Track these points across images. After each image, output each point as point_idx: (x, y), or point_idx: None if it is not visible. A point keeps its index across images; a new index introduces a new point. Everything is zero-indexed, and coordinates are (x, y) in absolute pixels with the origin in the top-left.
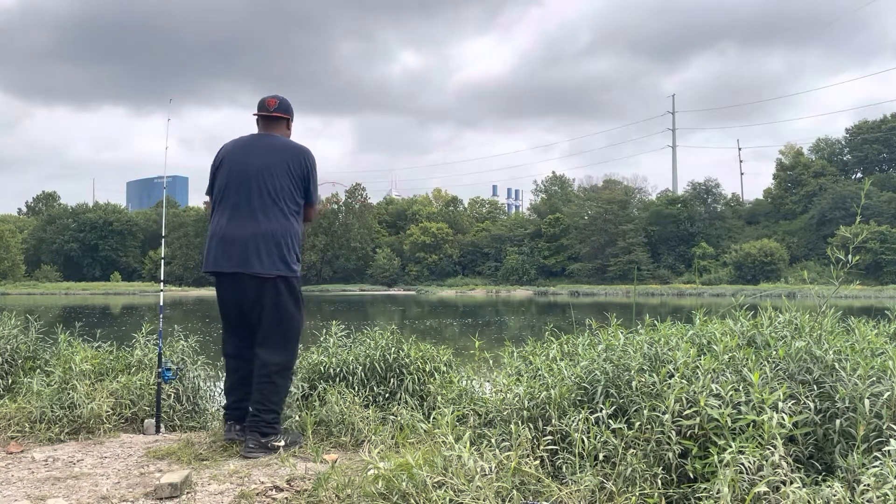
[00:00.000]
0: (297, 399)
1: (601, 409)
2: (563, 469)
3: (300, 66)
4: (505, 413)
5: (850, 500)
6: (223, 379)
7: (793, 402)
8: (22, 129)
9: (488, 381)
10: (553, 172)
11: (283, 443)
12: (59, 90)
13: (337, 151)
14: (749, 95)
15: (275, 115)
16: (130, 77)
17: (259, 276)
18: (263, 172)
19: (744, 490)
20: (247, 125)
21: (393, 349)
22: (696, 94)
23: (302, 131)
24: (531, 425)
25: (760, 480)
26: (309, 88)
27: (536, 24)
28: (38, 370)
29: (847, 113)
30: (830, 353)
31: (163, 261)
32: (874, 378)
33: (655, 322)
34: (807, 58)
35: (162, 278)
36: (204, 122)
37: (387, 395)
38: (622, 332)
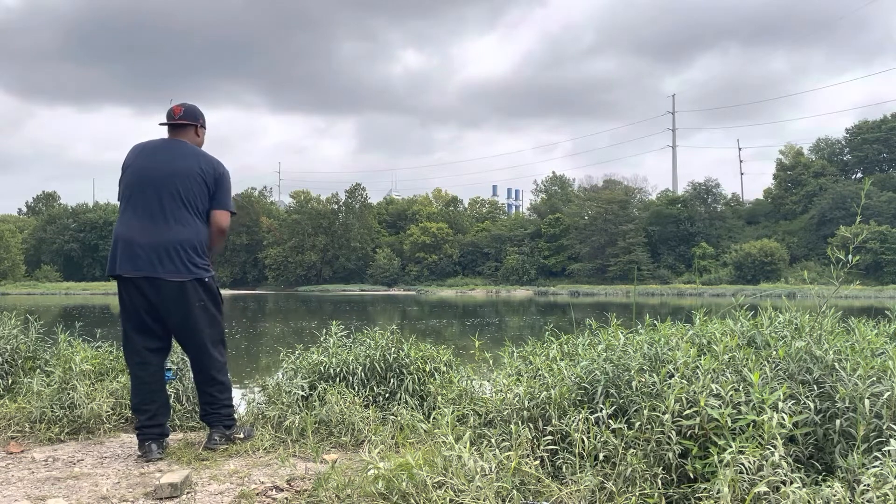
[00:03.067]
0: (297, 399)
1: (601, 409)
2: (563, 469)
3: (303, 67)
4: (505, 413)
5: (850, 500)
6: (129, 393)
7: (793, 402)
8: (24, 130)
9: (488, 381)
10: (553, 172)
11: (241, 435)
12: (61, 90)
13: (340, 151)
14: (752, 95)
15: (180, 122)
16: (133, 77)
17: (175, 281)
18: (174, 177)
19: (744, 490)
20: (248, 125)
21: (393, 349)
22: (699, 93)
23: (306, 131)
24: (531, 425)
25: (760, 480)
26: (312, 88)
27: (540, 25)
28: (38, 370)
29: (851, 112)
30: (830, 353)
31: None
32: (874, 378)
33: (655, 322)
34: (810, 57)
35: None
36: (206, 122)
37: (387, 395)
38: (622, 332)
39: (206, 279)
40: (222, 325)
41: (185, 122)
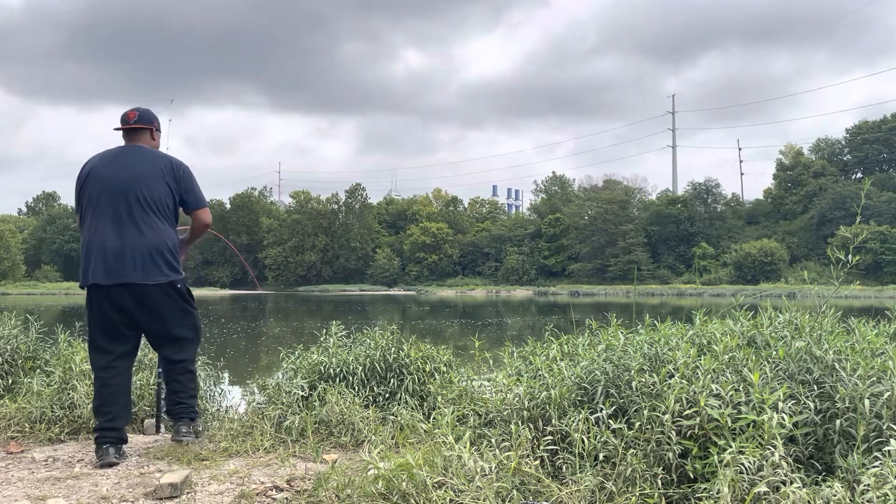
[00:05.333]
0: (298, 399)
1: (601, 409)
2: (563, 469)
3: (305, 67)
4: (505, 413)
5: (850, 500)
6: (93, 397)
7: (793, 402)
8: (25, 129)
9: (488, 381)
10: (553, 172)
11: (201, 428)
12: (62, 90)
13: (341, 151)
14: (753, 95)
15: (136, 126)
16: (134, 77)
17: (149, 286)
18: (138, 182)
19: (744, 490)
20: (249, 125)
21: (393, 349)
22: (700, 93)
23: (307, 131)
24: (531, 425)
25: (760, 480)
26: (313, 88)
27: (542, 25)
28: (38, 370)
29: (852, 112)
30: (830, 353)
31: None
32: (874, 378)
33: (655, 322)
34: (812, 57)
35: None
36: (207, 122)
37: (387, 395)
38: (622, 333)
39: (178, 284)
40: (198, 319)
41: (140, 125)
